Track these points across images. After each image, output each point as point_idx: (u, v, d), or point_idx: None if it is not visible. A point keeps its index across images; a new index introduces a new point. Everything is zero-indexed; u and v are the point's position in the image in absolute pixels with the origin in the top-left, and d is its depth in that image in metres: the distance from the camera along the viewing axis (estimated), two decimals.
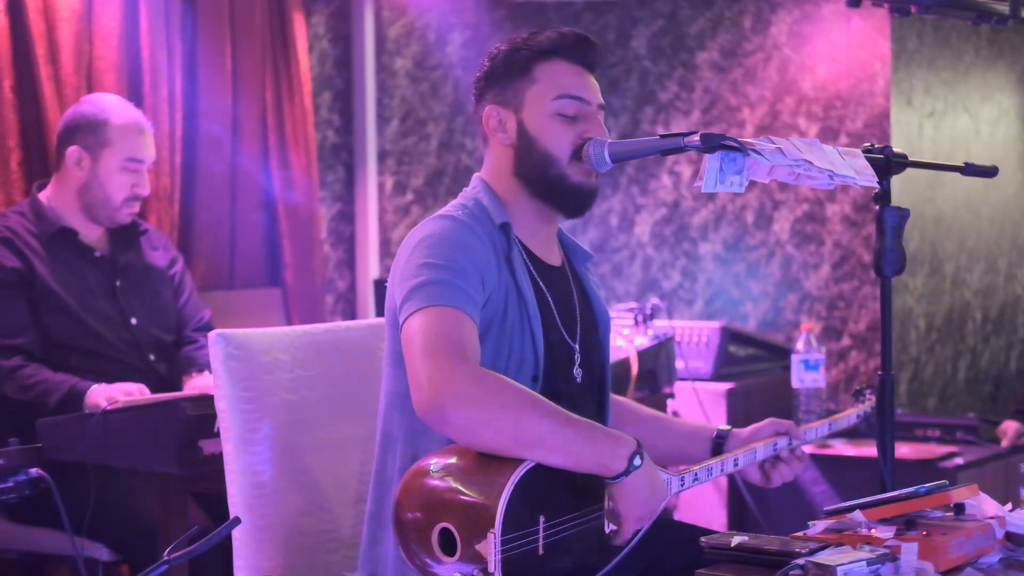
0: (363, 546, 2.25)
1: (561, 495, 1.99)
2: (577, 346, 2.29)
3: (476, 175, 2.32)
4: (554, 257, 2.34)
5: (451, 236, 2.14)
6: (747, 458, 2.32)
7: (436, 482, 1.96)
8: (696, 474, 2.19)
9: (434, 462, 1.99)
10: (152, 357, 3.36)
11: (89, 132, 3.31)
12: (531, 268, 2.25)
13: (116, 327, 3.32)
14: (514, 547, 1.89)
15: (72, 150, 3.32)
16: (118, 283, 3.37)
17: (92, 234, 3.39)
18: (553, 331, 2.24)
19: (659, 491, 2.05)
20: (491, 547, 1.86)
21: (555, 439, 1.96)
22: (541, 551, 1.94)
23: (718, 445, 2.40)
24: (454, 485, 1.94)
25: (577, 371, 2.28)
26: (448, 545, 1.91)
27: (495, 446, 1.95)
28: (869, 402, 2.56)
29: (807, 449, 4.12)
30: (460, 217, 2.19)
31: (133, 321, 3.35)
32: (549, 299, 2.25)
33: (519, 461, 1.93)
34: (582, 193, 2.25)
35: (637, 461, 2.00)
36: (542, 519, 1.94)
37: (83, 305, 3.27)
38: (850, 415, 2.56)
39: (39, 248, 3.26)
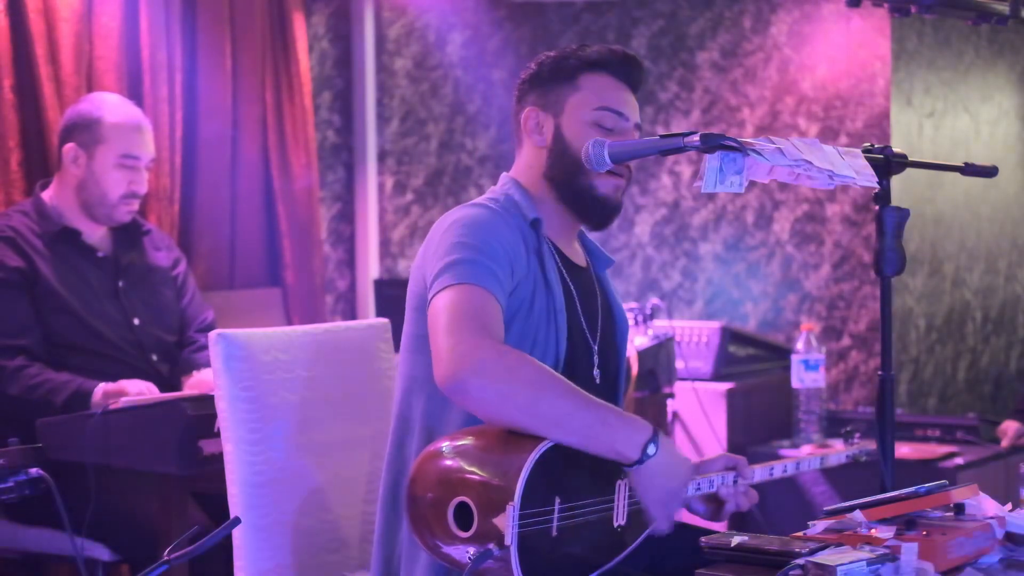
0: (377, 532, 2.25)
1: (578, 480, 2.01)
2: (596, 347, 2.31)
3: (505, 174, 2.35)
4: (579, 259, 2.37)
5: (484, 221, 2.17)
6: (721, 479, 2.24)
7: (453, 461, 1.97)
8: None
9: (447, 444, 2.00)
10: (154, 357, 3.36)
11: (85, 129, 3.32)
12: (559, 265, 2.27)
13: (118, 328, 3.32)
14: (529, 524, 1.90)
15: (69, 147, 3.33)
16: (120, 284, 3.37)
17: (95, 234, 3.39)
18: (576, 329, 2.26)
19: (678, 471, 2.05)
20: (509, 520, 1.87)
21: (573, 421, 1.98)
22: (555, 532, 1.95)
23: None
24: (473, 462, 1.95)
25: (596, 372, 2.30)
26: (464, 520, 1.92)
27: (514, 421, 1.97)
28: (858, 444, 2.54)
29: (807, 449, 4.15)
30: (493, 207, 2.22)
31: (135, 322, 3.35)
32: (575, 297, 2.28)
33: (538, 440, 1.95)
34: (606, 206, 2.28)
35: (651, 450, 2.01)
36: (557, 501, 1.95)
37: (85, 306, 3.27)
38: (840, 455, 2.53)
39: (42, 248, 3.26)
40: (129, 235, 3.44)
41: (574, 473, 2.00)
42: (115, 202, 3.35)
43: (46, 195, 3.37)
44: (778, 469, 2.38)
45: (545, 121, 2.30)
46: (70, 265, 3.29)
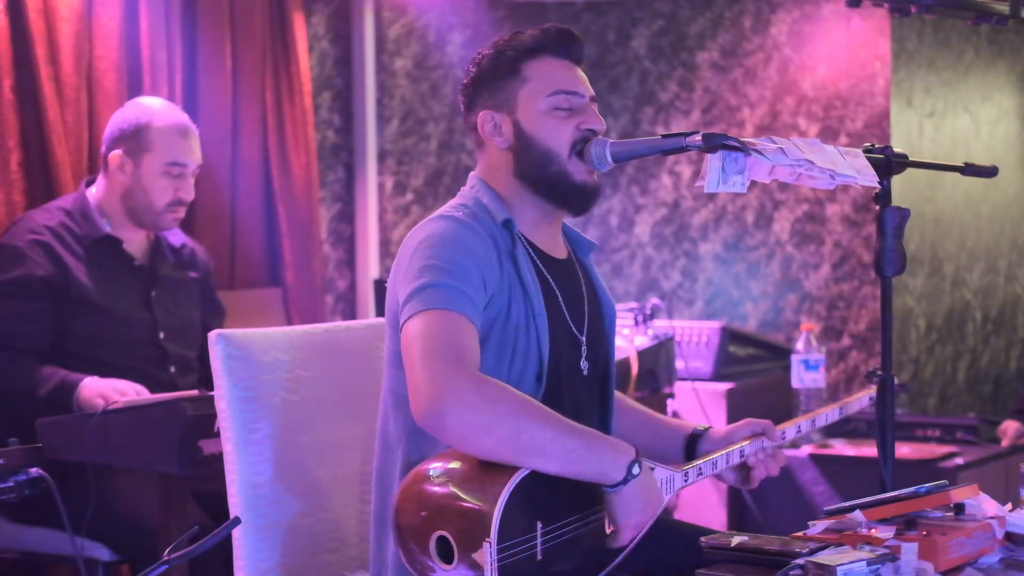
0: (371, 546, 2.25)
1: (558, 500, 1.99)
2: (584, 338, 2.28)
3: (473, 174, 2.31)
4: (559, 250, 2.33)
5: (452, 236, 2.13)
6: (725, 459, 2.25)
7: (433, 488, 1.95)
8: (686, 473, 2.17)
9: (432, 467, 1.98)
10: (173, 370, 3.36)
11: (132, 137, 3.30)
12: (537, 263, 2.24)
13: (144, 338, 3.32)
14: (512, 554, 1.89)
15: (115, 155, 3.30)
16: (153, 293, 3.37)
17: (134, 242, 3.38)
18: (560, 324, 2.23)
19: (655, 499, 2.04)
20: (487, 556, 1.85)
21: (555, 448, 1.95)
22: (539, 557, 1.93)
23: (692, 444, 2.35)
24: (451, 491, 1.93)
25: (584, 364, 2.28)
26: (446, 552, 1.91)
27: (495, 453, 1.94)
28: None
29: (808, 449, 4.15)
30: (460, 217, 2.18)
31: (161, 335, 3.35)
32: (557, 293, 2.25)
33: (515, 468, 1.93)
34: (585, 191, 2.25)
35: (636, 470, 1.99)
36: (539, 525, 1.94)
37: (119, 313, 3.26)
38: (862, 398, 2.51)
39: (81, 252, 3.25)
40: (166, 245, 3.45)
41: (555, 494, 1.98)
42: (161, 210, 3.32)
43: (92, 196, 3.35)
44: (805, 424, 2.41)
45: (502, 121, 2.25)
46: (107, 271, 3.29)
